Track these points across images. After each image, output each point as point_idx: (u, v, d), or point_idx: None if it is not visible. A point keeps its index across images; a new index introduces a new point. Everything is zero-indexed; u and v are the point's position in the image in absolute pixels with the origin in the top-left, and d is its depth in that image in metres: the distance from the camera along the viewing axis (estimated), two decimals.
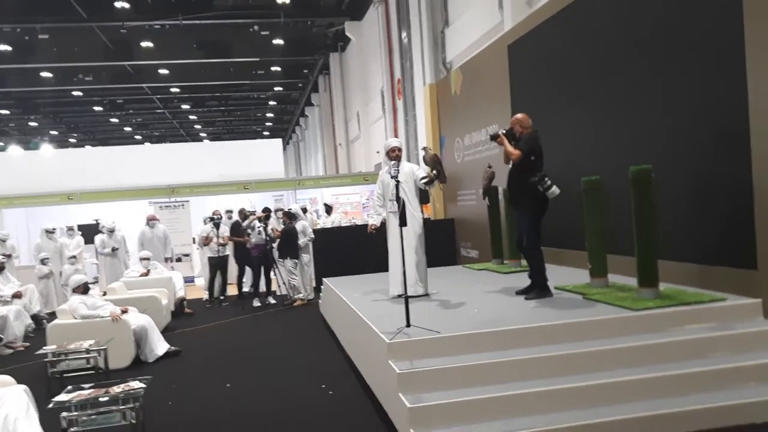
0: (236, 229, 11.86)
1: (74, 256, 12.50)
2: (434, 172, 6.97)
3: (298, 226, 11.58)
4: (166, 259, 12.77)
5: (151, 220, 13.02)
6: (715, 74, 5.81)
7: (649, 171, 5.65)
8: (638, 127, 6.93)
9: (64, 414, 4.49)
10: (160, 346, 7.90)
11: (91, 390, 4.72)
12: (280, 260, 11.74)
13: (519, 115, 6.57)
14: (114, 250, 13.04)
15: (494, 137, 6.52)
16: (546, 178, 6.16)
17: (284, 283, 11.63)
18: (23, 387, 4.36)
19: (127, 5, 18.94)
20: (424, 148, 8.15)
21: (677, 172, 6.30)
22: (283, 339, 8.84)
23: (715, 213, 5.91)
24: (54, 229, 13.39)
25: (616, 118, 7.34)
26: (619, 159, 6.93)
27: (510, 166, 6.48)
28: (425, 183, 6.96)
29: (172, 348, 8.04)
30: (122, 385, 4.77)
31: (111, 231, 13.24)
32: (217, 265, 12.34)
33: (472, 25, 12.58)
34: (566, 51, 8.30)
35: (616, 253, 6.74)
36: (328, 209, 15.90)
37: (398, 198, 5.81)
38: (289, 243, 11.57)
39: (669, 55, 6.38)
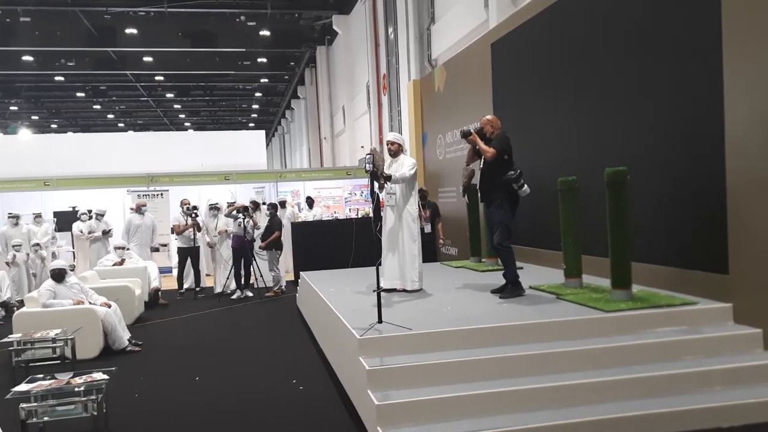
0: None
1: (38, 244, 12.31)
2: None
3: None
4: (153, 249, 12.67)
5: (141, 207, 12.78)
6: (692, 78, 5.81)
7: (625, 173, 5.65)
8: (616, 128, 6.93)
9: (23, 405, 4.39)
10: (124, 335, 7.81)
11: (52, 381, 4.63)
12: (262, 252, 11.72)
13: (489, 117, 6.71)
14: (105, 233, 12.92)
15: (466, 135, 6.54)
16: (522, 176, 6.24)
17: (261, 276, 11.60)
18: None
19: None
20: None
21: (653, 175, 6.30)
22: (257, 332, 8.77)
23: (688, 217, 5.92)
24: (17, 215, 13.10)
25: (594, 118, 7.34)
26: (597, 160, 6.93)
27: (480, 164, 6.54)
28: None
29: (134, 341, 7.93)
30: (85, 376, 4.68)
31: (100, 215, 13.11)
32: (186, 255, 12.22)
33: (458, 22, 12.54)
34: (547, 51, 8.29)
35: (591, 254, 6.75)
36: (310, 203, 15.83)
37: (372, 192, 5.78)
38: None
39: (648, 58, 6.38)
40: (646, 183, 6.29)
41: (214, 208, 12.61)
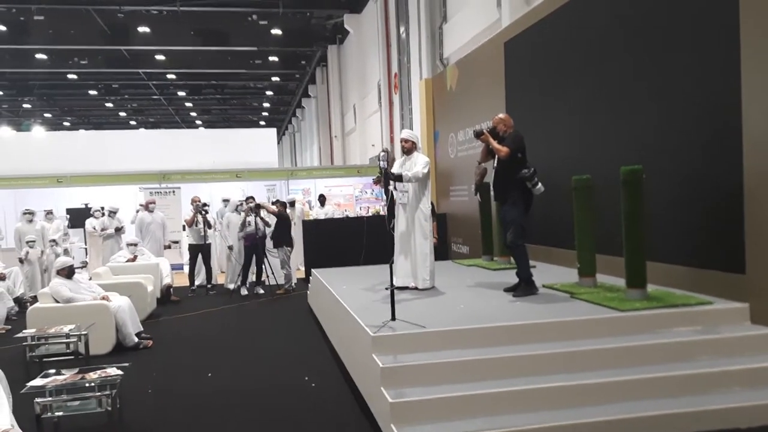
0: None
1: (55, 240, 12.40)
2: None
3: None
4: (165, 246, 12.76)
5: (150, 204, 12.90)
6: (709, 76, 5.76)
7: (641, 171, 5.61)
8: (631, 126, 6.89)
9: (38, 399, 4.41)
10: (133, 333, 7.83)
11: (67, 376, 4.64)
12: (274, 249, 11.73)
13: (502, 115, 6.69)
14: (118, 230, 13.00)
15: (479, 134, 6.51)
16: (536, 174, 6.23)
17: (273, 273, 11.62)
18: None
19: None
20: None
21: (669, 173, 6.26)
22: (268, 329, 8.78)
23: (705, 216, 5.87)
24: (33, 211, 13.18)
25: (609, 117, 7.30)
26: (611, 158, 6.88)
27: (494, 163, 6.52)
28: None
29: (144, 335, 7.95)
30: (99, 372, 4.69)
31: (113, 212, 13.21)
32: (197, 251, 12.26)
33: (470, 21, 12.51)
34: (561, 50, 8.25)
35: (606, 253, 6.70)
36: (322, 200, 15.85)
37: (386, 190, 5.77)
38: (283, 231, 11.66)
39: (664, 56, 6.33)
40: (661, 181, 6.24)
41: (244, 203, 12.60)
